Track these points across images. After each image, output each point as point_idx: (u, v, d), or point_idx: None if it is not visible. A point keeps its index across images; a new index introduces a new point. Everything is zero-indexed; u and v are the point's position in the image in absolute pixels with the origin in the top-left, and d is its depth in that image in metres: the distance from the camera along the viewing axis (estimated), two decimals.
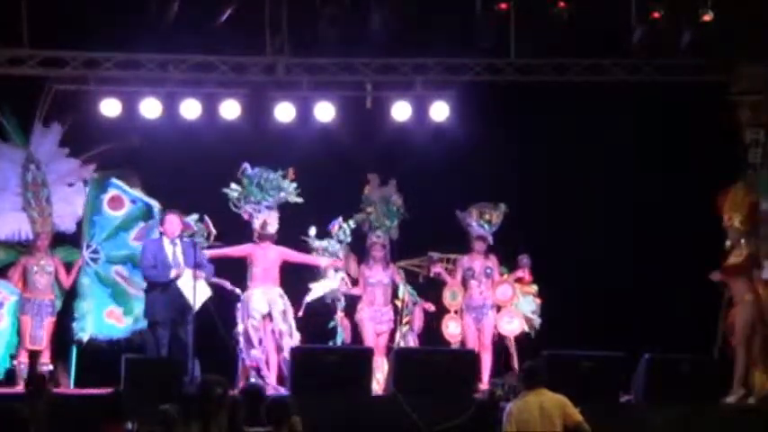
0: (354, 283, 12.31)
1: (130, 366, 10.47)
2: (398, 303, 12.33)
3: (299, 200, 12.10)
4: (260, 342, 11.59)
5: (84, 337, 11.99)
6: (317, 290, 11.97)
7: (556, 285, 12.50)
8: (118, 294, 12.20)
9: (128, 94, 12.20)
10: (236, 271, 11.89)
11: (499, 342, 12.46)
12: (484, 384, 11.79)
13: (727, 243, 11.65)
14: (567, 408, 8.50)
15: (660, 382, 10.72)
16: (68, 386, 11.78)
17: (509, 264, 12.57)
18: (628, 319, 12.50)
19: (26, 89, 11.97)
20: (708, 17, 11.39)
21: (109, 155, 12.21)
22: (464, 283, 12.44)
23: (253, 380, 11.22)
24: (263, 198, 11.97)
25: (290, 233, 12.10)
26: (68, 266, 12.05)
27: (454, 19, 11.83)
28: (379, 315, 12.21)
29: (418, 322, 12.35)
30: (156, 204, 12.11)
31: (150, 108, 12.18)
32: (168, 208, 11.78)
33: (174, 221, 11.47)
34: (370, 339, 12.10)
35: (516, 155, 12.85)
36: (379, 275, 12.26)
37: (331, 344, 11.95)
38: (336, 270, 12.08)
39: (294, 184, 12.10)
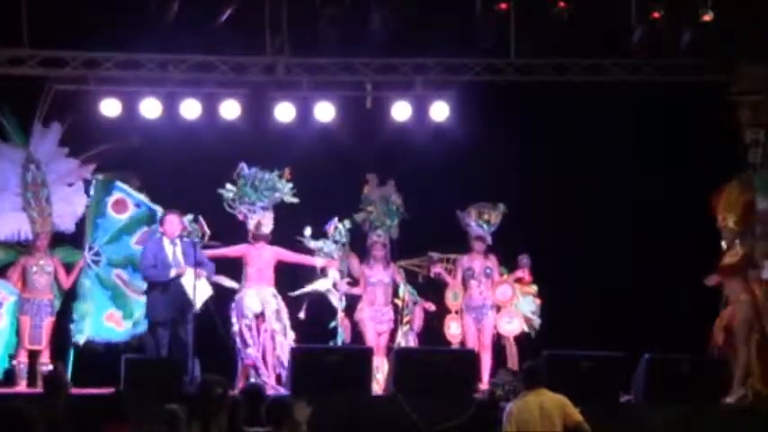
0: (355, 283, 12.31)
1: (130, 367, 10.47)
2: (399, 303, 12.33)
3: (295, 200, 12.10)
4: (254, 341, 11.60)
5: (81, 340, 11.96)
6: (306, 289, 11.98)
7: (556, 285, 12.49)
8: (118, 297, 12.19)
9: (128, 94, 12.20)
10: (233, 271, 11.90)
11: (497, 342, 12.46)
12: (484, 384, 11.79)
13: (723, 243, 11.68)
14: (567, 408, 8.51)
15: (660, 382, 10.72)
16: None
17: (509, 264, 12.57)
18: (628, 319, 12.49)
19: (26, 89, 11.96)
20: (708, 17, 11.40)
21: (109, 155, 12.20)
22: (464, 284, 12.44)
23: (253, 380, 11.22)
24: (258, 199, 11.97)
25: (290, 233, 12.09)
26: (68, 267, 12.05)
27: (454, 19, 11.83)
28: (380, 315, 12.21)
29: (418, 321, 12.35)
30: (159, 209, 12.09)
31: (150, 108, 12.18)
32: (168, 208, 11.79)
33: (174, 222, 11.48)
34: (370, 339, 12.10)
35: (516, 155, 12.84)
36: (379, 275, 12.26)
37: (331, 344, 11.95)
38: (324, 270, 12.06)
39: (290, 185, 12.10)
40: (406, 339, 12.26)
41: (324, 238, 12.10)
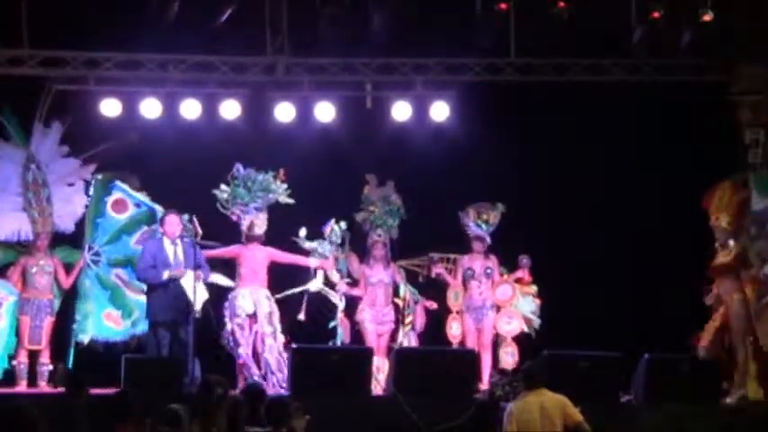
0: (355, 283, 12.30)
1: (130, 367, 10.46)
2: (400, 303, 12.32)
3: (291, 201, 12.09)
4: (245, 341, 11.61)
5: (85, 339, 11.98)
6: (293, 290, 11.99)
7: (556, 285, 12.49)
8: (116, 297, 12.19)
9: (128, 94, 12.21)
10: (228, 271, 11.90)
11: (495, 341, 12.46)
12: (484, 384, 11.79)
13: (716, 243, 11.71)
14: (567, 408, 8.51)
15: (660, 382, 10.72)
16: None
17: (509, 264, 12.57)
18: (627, 319, 12.49)
19: (26, 89, 11.96)
20: (708, 17, 11.40)
21: (109, 154, 12.20)
22: (464, 284, 12.44)
23: (250, 380, 11.22)
24: (251, 200, 11.96)
25: (290, 234, 12.09)
26: (68, 267, 12.05)
27: (454, 19, 11.83)
28: (381, 316, 12.20)
29: (420, 320, 12.34)
30: (159, 209, 12.09)
31: (150, 108, 12.18)
32: (168, 208, 11.78)
33: (174, 222, 11.48)
34: (371, 340, 12.09)
35: (516, 155, 12.84)
36: (380, 274, 12.25)
37: (331, 344, 11.95)
38: (317, 271, 12.05)
39: (284, 186, 12.09)
40: (409, 339, 12.25)
41: (321, 239, 12.09)
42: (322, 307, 12.14)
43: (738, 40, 11.73)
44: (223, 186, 11.99)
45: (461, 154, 12.56)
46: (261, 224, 11.96)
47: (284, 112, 12.38)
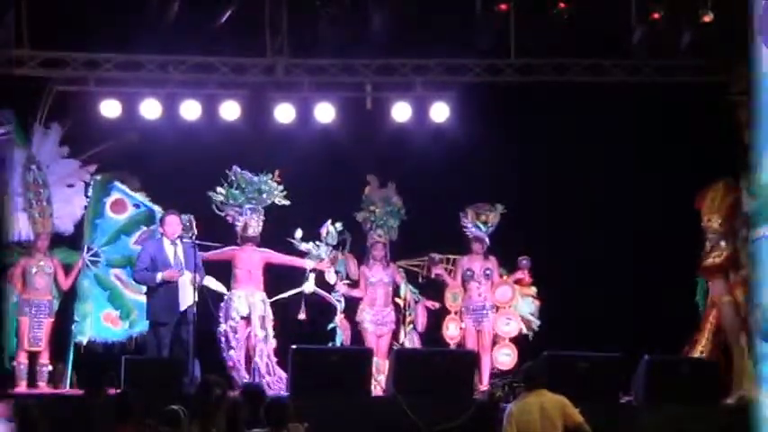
0: (354, 284, 12.30)
1: (130, 367, 10.46)
2: (400, 303, 12.32)
3: (287, 202, 12.09)
4: (237, 344, 11.64)
5: (84, 340, 11.99)
6: (287, 293, 11.99)
7: (555, 286, 12.49)
8: (115, 297, 12.19)
9: (128, 95, 12.22)
10: (224, 274, 11.90)
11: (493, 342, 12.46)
12: (484, 385, 11.79)
13: (707, 244, 11.73)
14: (567, 408, 8.51)
15: (660, 383, 10.71)
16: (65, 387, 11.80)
17: (508, 265, 12.56)
18: (627, 319, 12.49)
19: (26, 90, 11.97)
20: (708, 17, 11.39)
21: (108, 155, 12.21)
22: (463, 285, 12.43)
23: (241, 382, 11.22)
24: (245, 201, 11.96)
25: (290, 235, 12.08)
26: (67, 268, 12.05)
27: (454, 19, 11.83)
28: (381, 317, 12.20)
29: (422, 320, 12.34)
30: (158, 210, 12.10)
31: (150, 109, 12.19)
32: (168, 209, 11.78)
33: (173, 222, 11.47)
34: (370, 341, 12.09)
35: (516, 155, 12.83)
36: (379, 275, 12.25)
37: (330, 345, 11.94)
38: (313, 272, 12.05)
39: (280, 187, 12.08)
40: (411, 339, 12.25)
41: (318, 240, 12.09)
42: (321, 308, 12.13)
43: (738, 40, 11.69)
44: (219, 189, 12.00)
45: (461, 154, 12.56)
46: (255, 225, 11.96)
47: (284, 112, 12.38)
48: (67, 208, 12.15)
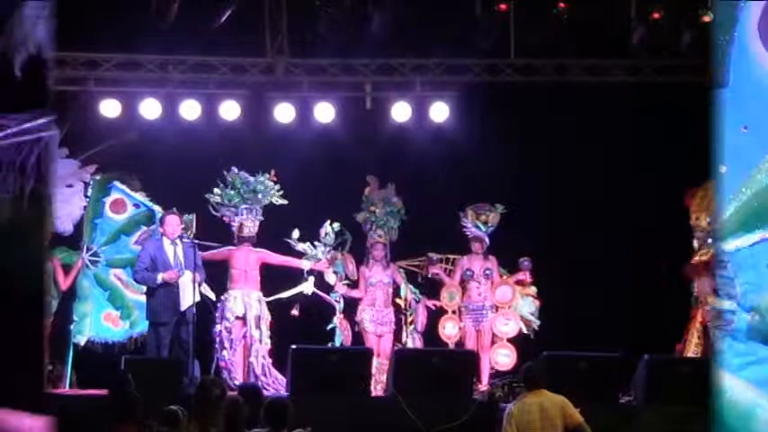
0: (353, 285, 12.29)
1: (130, 367, 10.45)
2: (401, 303, 12.32)
3: (284, 202, 12.08)
4: (231, 345, 11.63)
5: (82, 341, 11.97)
6: (284, 294, 11.99)
7: (555, 286, 12.48)
8: (115, 297, 12.18)
9: (128, 95, 12.23)
10: (220, 273, 11.90)
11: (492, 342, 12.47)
12: (484, 385, 11.79)
13: (695, 242, 11.75)
14: (567, 408, 8.52)
15: (660, 383, 10.70)
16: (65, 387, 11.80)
17: (509, 265, 12.55)
18: (627, 319, 12.48)
19: None
20: (708, 18, 11.39)
21: (108, 155, 12.20)
22: (462, 284, 12.42)
23: (232, 384, 11.21)
24: (241, 201, 11.96)
25: (288, 235, 12.07)
26: (66, 268, 12.04)
27: (454, 19, 11.83)
28: (381, 317, 12.19)
29: (422, 320, 12.33)
30: (158, 209, 12.09)
31: (150, 109, 12.20)
32: (168, 209, 11.78)
33: (174, 222, 11.47)
34: (370, 342, 12.08)
35: (516, 155, 12.83)
36: (379, 275, 12.24)
37: (329, 345, 11.94)
38: (312, 273, 12.04)
39: (277, 187, 12.07)
40: (413, 339, 12.25)
41: (317, 241, 12.08)
42: (320, 308, 12.13)
43: None
44: (216, 189, 12.00)
45: (461, 154, 12.56)
46: (251, 225, 11.95)
47: (284, 112, 12.38)
48: (67, 208, 12.14)
